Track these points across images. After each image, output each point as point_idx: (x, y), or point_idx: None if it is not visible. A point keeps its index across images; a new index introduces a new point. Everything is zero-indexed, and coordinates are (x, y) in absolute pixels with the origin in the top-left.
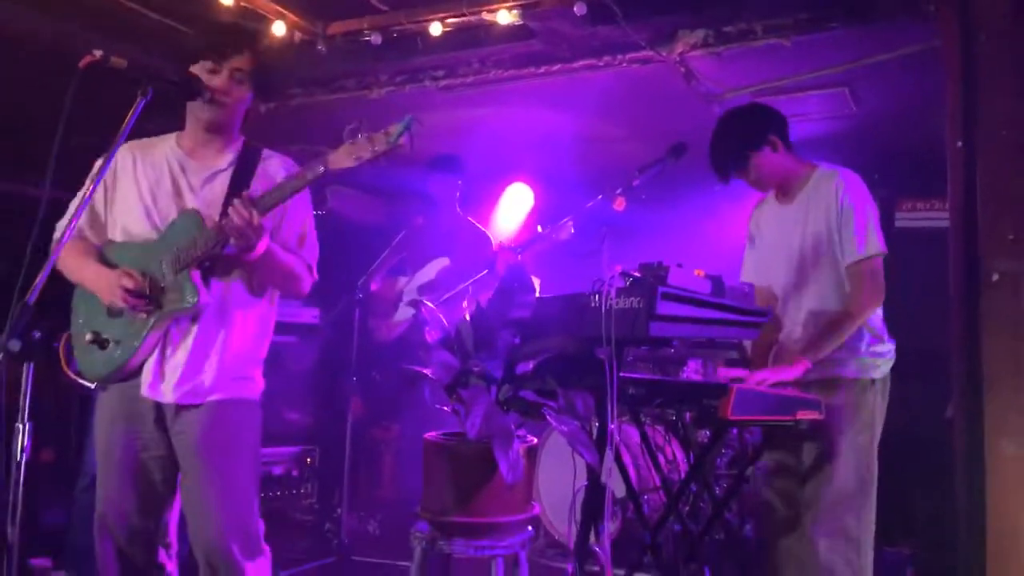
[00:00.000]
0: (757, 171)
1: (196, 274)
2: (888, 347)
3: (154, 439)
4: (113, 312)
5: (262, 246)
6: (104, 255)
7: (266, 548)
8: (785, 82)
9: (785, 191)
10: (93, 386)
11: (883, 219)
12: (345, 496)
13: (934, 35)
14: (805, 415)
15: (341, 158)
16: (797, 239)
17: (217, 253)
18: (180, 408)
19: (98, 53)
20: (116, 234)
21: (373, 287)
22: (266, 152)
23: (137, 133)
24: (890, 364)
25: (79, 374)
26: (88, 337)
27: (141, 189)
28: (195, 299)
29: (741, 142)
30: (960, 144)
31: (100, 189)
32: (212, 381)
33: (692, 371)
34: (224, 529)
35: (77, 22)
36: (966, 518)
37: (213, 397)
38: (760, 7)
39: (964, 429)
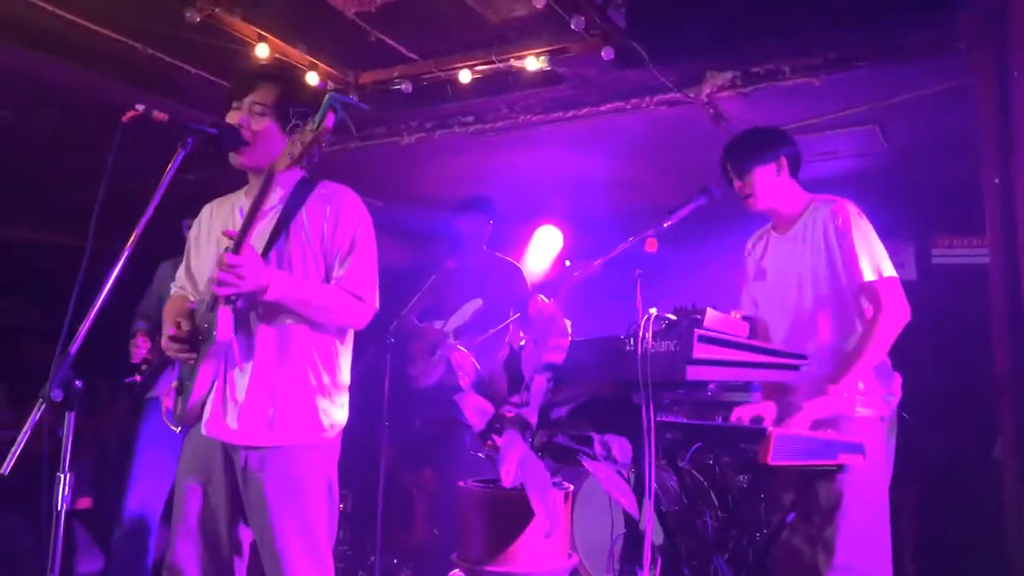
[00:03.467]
0: (754, 186)
1: (223, 311)
2: (895, 383)
3: (222, 488)
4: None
5: (271, 293)
6: (197, 311)
7: None
8: (814, 121)
9: (781, 220)
10: (177, 430)
11: (919, 255)
12: (378, 542)
13: (965, 71)
14: (847, 458)
15: (282, 160)
16: (798, 271)
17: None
18: (248, 452)
19: (140, 107)
20: (201, 286)
21: (407, 332)
22: (323, 184)
23: (178, 185)
24: (897, 399)
25: (171, 422)
26: (175, 385)
27: (212, 240)
28: (213, 334)
29: (748, 153)
30: (997, 181)
31: (192, 247)
32: (278, 424)
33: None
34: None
35: (116, 76)
36: (1017, 562)
37: (280, 441)
38: (788, 47)
39: (1014, 470)
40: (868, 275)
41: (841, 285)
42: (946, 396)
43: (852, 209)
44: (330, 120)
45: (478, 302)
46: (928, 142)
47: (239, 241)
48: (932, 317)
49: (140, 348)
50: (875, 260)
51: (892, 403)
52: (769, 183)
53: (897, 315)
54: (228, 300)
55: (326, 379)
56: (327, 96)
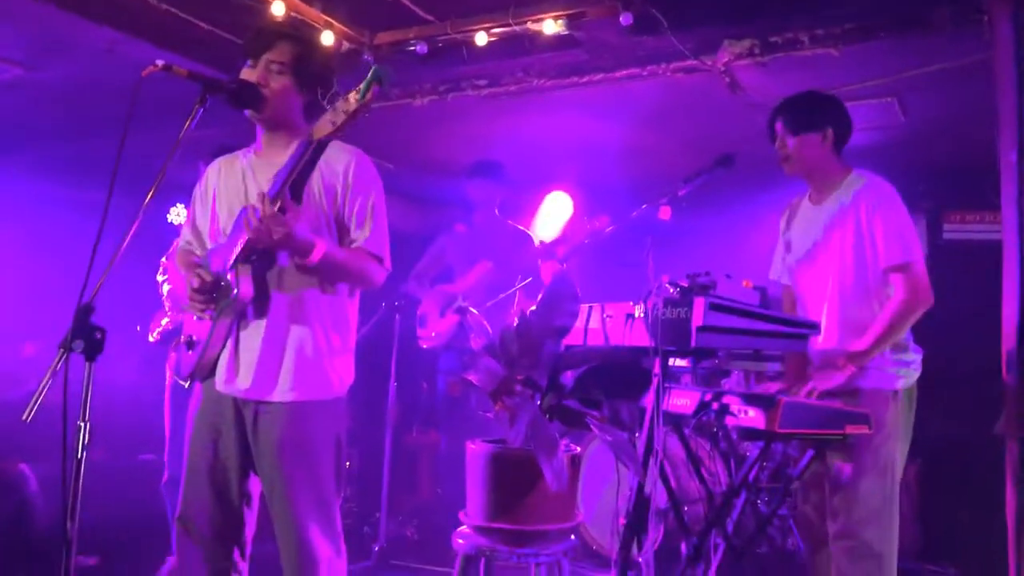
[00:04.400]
0: (796, 148)
1: (244, 270)
2: (913, 357)
3: (232, 441)
4: (200, 315)
5: (317, 253)
6: (202, 265)
7: (344, 549)
8: (832, 92)
9: (817, 189)
10: (187, 385)
11: (930, 231)
12: (384, 501)
13: (985, 46)
14: (854, 429)
15: (323, 127)
16: (824, 243)
17: (258, 247)
18: (258, 406)
19: (160, 62)
20: (208, 243)
21: (417, 295)
22: (333, 144)
23: (197, 141)
24: (915, 375)
25: (179, 375)
26: (183, 339)
27: (223, 198)
28: (235, 292)
29: (800, 115)
30: (1015, 157)
31: (198, 204)
32: (289, 379)
33: (734, 383)
34: (307, 531)
35: (131, 31)
36: (1015, 537)
37: (291, 397)
38: (808, 17)
39: (1016, 445)
40: (896, 256)
41: (867, 262)
42: (955, 371)
43: (887, 189)
44: (375, 91)
45: (488, 265)
46: (944, 116)
47: (279, 196)
48: (941, 292)
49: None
50: (904, 243)
51: (908, 378)
52: (810, 151)
53: (919, 299)
54: (247, 259)
55: (337, 337)
56: (373, 68)
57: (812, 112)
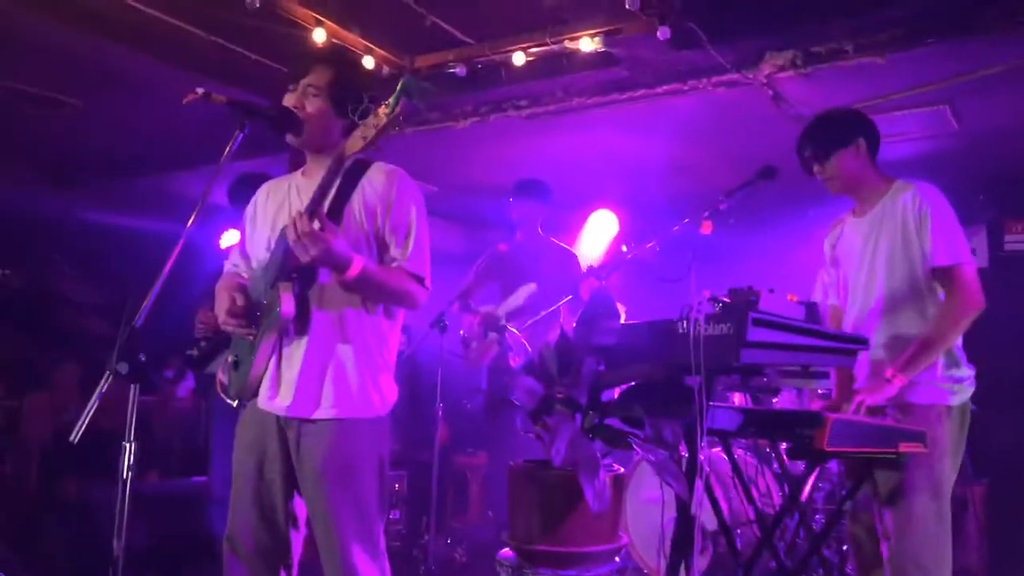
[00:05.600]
0: (835, 168)
1: (286, 288)
2: (967, 372)
3: (277, 461)
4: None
5: (355, 268)
6: (246, 288)
7: (388, 569)
8: (880, 101)
9: (861, 202)
10: (235, 404)
11: (991, 242)
12: (432, 522)
13: None
14: (909, 447)
15: (355, 143)
16: (872, 254)
17: (299, 265)
18: (300, 424)
19: (200, 90)
20: (255, 264)
21: (461, 315)
22: (376, 165)
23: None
24: (969, 391)
25: (227, 396)
26: (230, 359)
27: (268, 219)
28: (277, 311)
29: (829, 136)
30: None
31: (247, 226)
32: (332, 398)
33: (786, 402)
34: (350, 552)
35: (177, 63)
36: None
37: (334, 415)
38: (851, 24)
39: None
40: (943, 259)
41: (917, 270)
42: (1019, 387)
43: (934, 193)
44: (404, 103)
45: (532, 287)
46: (1001, 122)
47: (312, 211)
48: (1004, 306)
49: (203, 323)
50: (952, 245)
51: (961, 394)
52: (848, 166)
53: (968, 302)
54: (289, 277)
55: (378, 356)
56: (402, 81)
57: (837, 129)
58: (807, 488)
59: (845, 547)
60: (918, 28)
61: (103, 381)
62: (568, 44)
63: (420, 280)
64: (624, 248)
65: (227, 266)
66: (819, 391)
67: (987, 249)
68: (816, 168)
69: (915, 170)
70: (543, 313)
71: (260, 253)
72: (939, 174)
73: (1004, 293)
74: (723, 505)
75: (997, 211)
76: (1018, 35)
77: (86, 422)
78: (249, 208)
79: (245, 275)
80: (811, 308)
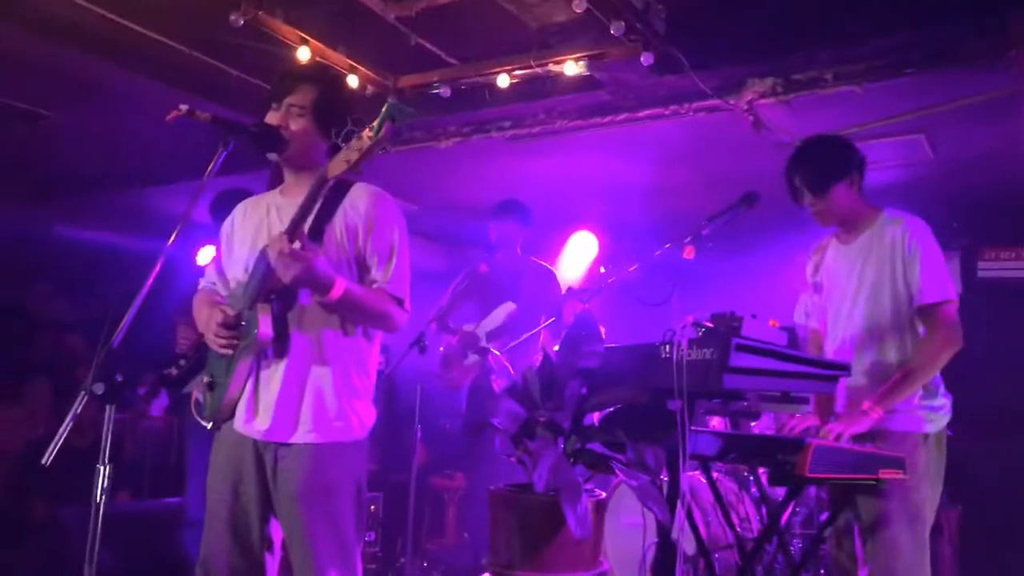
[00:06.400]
0: (829, 202)
1: (264, 309)
2: (943, 401)
3: (252, 485)
4: (221, 355)
5: (338, 290)
6: (227, 304)
7: None
8: (857, 129)
9: (848, 231)
10: (208, 426)
11: (965, 269)
12: (409, 545)
13: (1014, 78)
14: (888, 474)
15: (338, 165)
16: (857, 283)
17: (277, 285)
18: (278, 448)
19: (184, 107)
20: (232, 283)
21: (440, 335)
22: (357, 185)
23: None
24: (945, 420)
25: (202, 417)
26: (206, 380)
27: (246, 238)
28: (255, 333)
29: (825, 169)
30: None
31: (223, 244)
32: (310, 422)
33: (765, 425)
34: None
35: (161, 78)
36: None
37: (311, 439)
38: (831, 53)
39: None
40: (930, 297)
41: (901, 304)
42: (993, 414)
43: (924, 229)
44: (389, 127)
45: (511, 305)
46: (976, 152)
47: (293, 231)
48: (978, 332)
49: (184, 339)
50: (941, 284)
51: (938, 422)
52: (843, 200)
53: (950, 339)
54: (268, 298)
55: (357, 379)
56: (387, 104)
57: (834, 163)
58: (786, 513)
59: (822, 571)
60: (896, 59)
61: (78, 402)
62: (552, 67)
63: (400, 302)
64: (602, 269)
65: (202, 283)
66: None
67: (960, 276)
68: (810, 199)
69: (890, 197)
70: (525, 336)
71: (238, 273)
72: (914, 201)
73: (977, 320)
74: (702, 529)
75: (971, 238)
76: (992, 69)
77: (59, 444)
78: (226, 225)
79: (223, 293)
80: (792, 334)
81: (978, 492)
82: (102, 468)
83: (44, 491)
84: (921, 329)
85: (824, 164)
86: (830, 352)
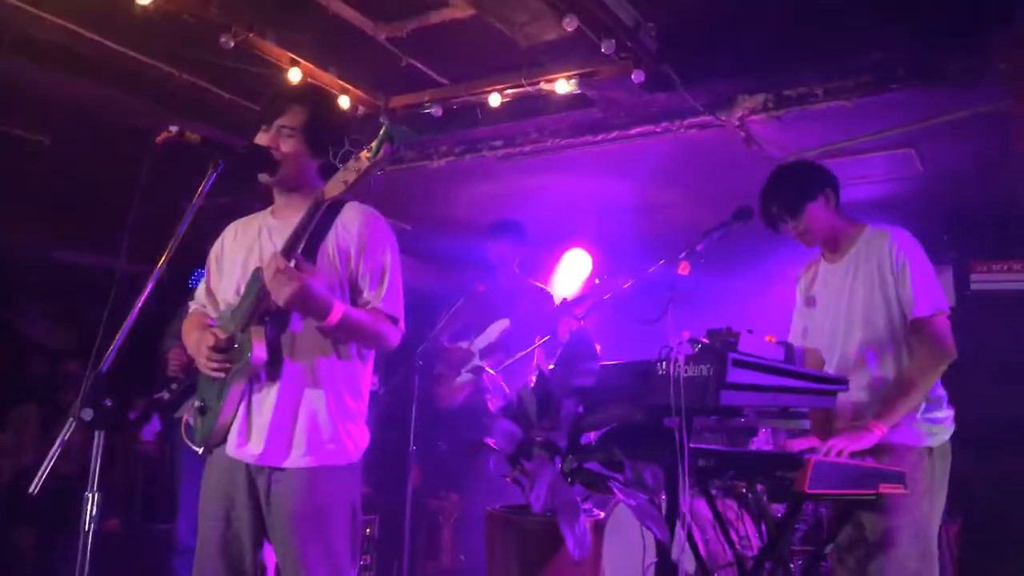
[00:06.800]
0: (807, 222)
1: (258, 332)
2: (946, 414)
3: (245, 510)
4: (212, 379)
5: (335, 314)
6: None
7: None
8: (847, 144)
9: (833, 249)
10: (199, 451)
11: (957, 282)
12: (405, 567)
13: (1003, 94)
14: (889, 488)
15: (335, 186)
16: (848, 299)
17: (271, 308)
18: (271, 473)
19: (174, 129)
20: (222, 306)
21: (435, 354)
22: (349, 205)
23: (213, 207)
24: (949, 432)
25: (193, 442)
26: (197, 404)
27: (237, 260)
28: (248, 355)
29: (797, 191)
30: None
31: (213, 267)
32: (304, 446)
33: (762, 441)
34: None
35: (153, 101)
36: None
37: (305, 463)
38: (821, 69)
39: None
40: (923, 310)
41: (894, 318)
42: (986, 426)
43: (911, 242)
44: (387, 150)
45: (505, 322)
46: (966, 165)
47: (288, 253)
48: (971, 345)
49: (176, 362)
50: (933, 296)
51: (941, 435)
52: (820, 216)
53: (943, 351)
54: (261, 321)
55: (350, 401)
56: (384, 127)
57: (802, 185)
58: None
59: None
60: (885, 75)
61: (66, 428)
62: (544, 86)
63: (394, 320)
64: (597, 281)
65: (192, 306)
66: (798, 431)
67: (953, 289)
68: (788, 224)
69: (881, 211)
70: (520, 354)
71: (228, 295)
72: (904, 215)
73: (970, 332)
74: (701, 548)
75: (962, 252)
76: (980, 84)
77: (46, 472)
78: (216, 247)
79: (212, 315)
80: (789, 349)
81: (975, 505)
82: (90, 495)
83: (31, 519)
84: (915, 342)
85: (796, 185)
86: (827, 368)
